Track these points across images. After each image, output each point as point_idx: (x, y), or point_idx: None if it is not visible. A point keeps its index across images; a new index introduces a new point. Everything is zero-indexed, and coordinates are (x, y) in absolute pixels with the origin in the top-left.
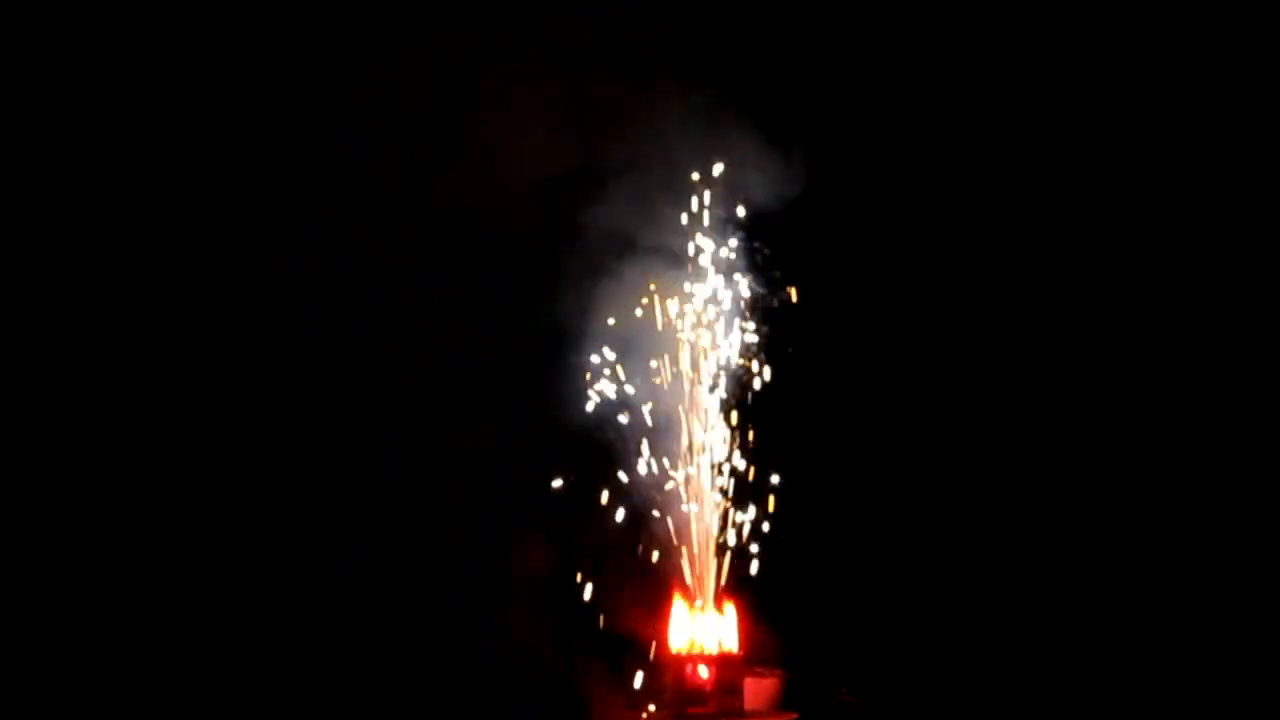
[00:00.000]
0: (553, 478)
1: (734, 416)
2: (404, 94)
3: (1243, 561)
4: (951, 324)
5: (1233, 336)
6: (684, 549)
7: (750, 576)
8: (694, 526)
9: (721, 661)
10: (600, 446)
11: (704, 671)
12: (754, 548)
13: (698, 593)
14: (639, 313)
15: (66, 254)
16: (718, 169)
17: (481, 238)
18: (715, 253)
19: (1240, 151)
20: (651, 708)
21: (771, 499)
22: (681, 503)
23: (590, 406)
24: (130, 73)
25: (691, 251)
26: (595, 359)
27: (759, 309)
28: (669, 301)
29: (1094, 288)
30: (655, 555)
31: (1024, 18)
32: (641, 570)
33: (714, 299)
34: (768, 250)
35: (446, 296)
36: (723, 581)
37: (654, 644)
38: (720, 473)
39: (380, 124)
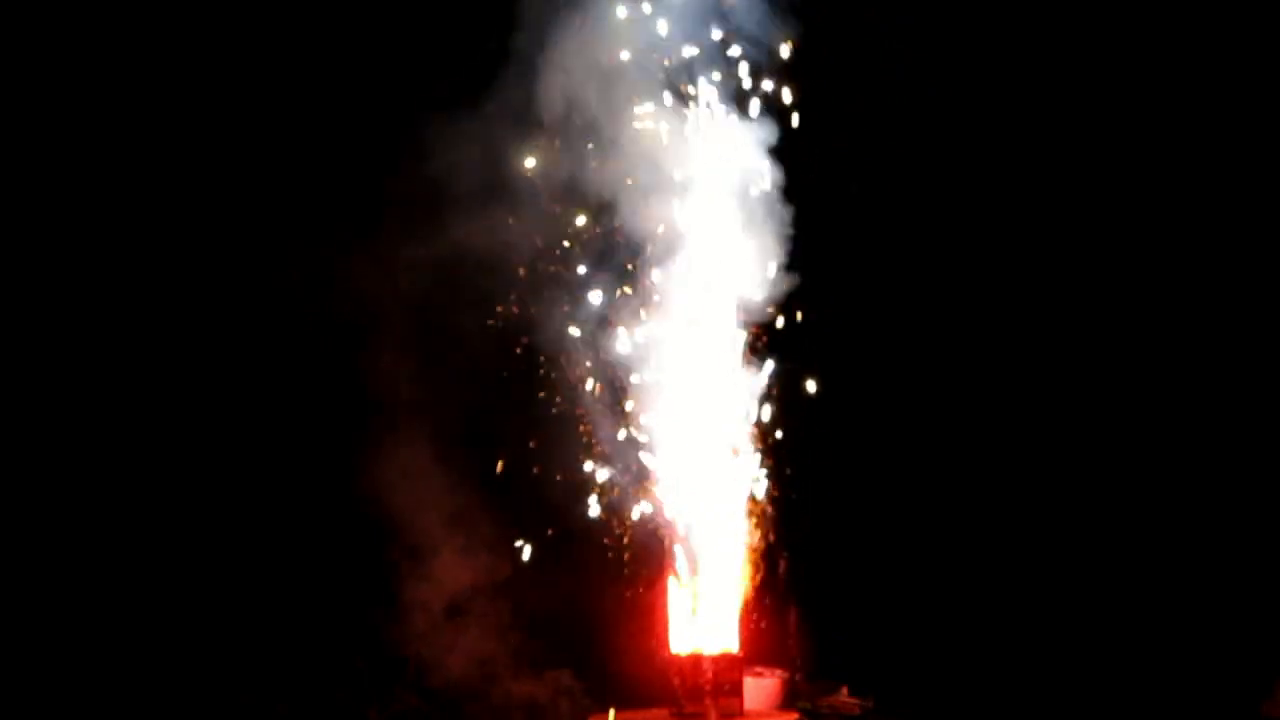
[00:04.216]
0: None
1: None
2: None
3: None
4: (965, 322)
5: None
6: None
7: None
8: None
9: (721, 661)
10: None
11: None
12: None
13: (696, 580)
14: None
15: (65, 254)
16: None
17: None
18: None
19: (1242, 153)
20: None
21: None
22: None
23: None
24: (129, 72)
25: None
26: None
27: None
28: None
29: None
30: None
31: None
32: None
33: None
34: None
35: (445, 295)
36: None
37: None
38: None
39: (379, 121)
